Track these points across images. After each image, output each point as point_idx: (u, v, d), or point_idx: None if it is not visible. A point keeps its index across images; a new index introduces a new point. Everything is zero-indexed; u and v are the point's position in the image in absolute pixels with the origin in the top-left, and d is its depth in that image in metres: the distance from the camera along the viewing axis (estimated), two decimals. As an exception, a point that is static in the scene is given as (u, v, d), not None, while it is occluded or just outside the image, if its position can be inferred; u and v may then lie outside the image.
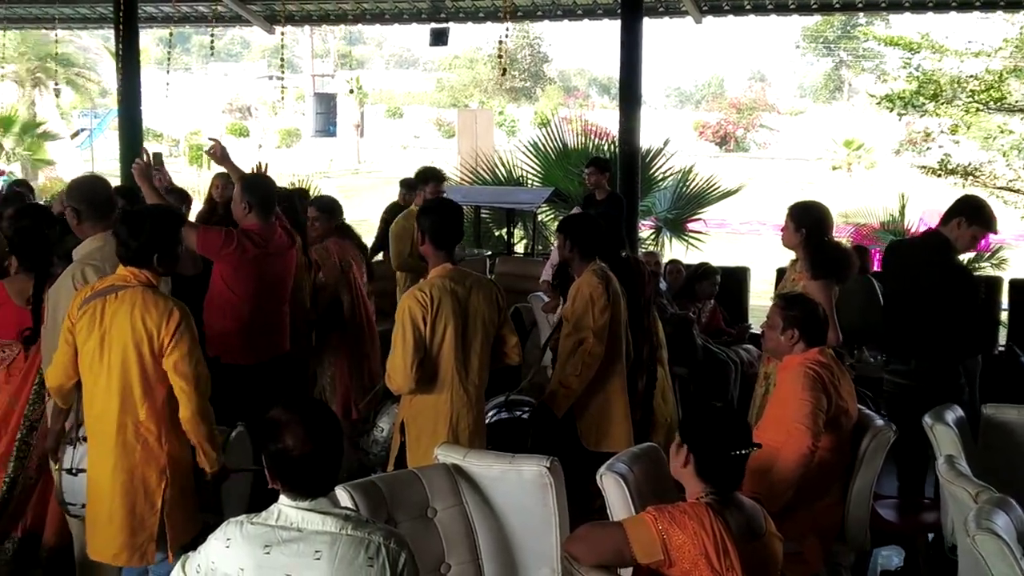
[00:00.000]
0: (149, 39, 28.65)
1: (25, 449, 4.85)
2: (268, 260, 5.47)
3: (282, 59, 11.50)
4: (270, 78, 49.08)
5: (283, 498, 2.72)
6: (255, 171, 5.90)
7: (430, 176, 8.49)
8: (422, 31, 13.40)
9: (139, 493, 4.00)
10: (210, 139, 5.93)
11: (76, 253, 4.70)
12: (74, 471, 4.34)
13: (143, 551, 4.03)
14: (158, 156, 5.94)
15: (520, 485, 3.75)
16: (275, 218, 5.55)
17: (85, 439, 4.31)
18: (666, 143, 13.94)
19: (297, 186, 11.59)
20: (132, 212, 4.43)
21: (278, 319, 5.66)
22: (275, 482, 2.73)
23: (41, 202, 7.45)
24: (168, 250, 4.13)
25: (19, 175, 27.36)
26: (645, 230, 13.06)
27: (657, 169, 13.27)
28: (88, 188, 4.93)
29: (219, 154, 5.70)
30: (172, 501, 4.04)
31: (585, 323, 5.08)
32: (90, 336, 3.99)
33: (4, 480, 4.81)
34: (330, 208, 6.49)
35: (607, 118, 21.42)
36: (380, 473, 4.48)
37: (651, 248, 12.55)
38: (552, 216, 12.74)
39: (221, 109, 49.29)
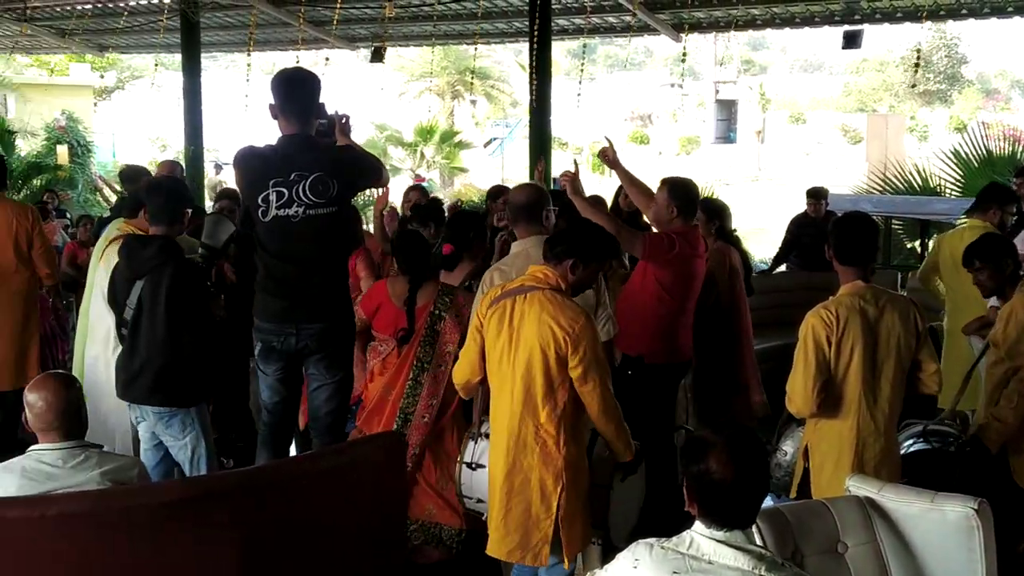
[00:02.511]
0: (559, 51, 29.77)
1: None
2: (695, 263, 5.56)
3: (683, 64, 11.48)
4: (672, 86, 49.50)
5: (697, 525, 2.63)
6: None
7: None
8: (830, 34, 12.93)
9: (535, 494, 4.05)
10: (605, 137, 6.00)
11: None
12: (473, 465, 4.54)
13: (536, 552, 4.07)
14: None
15: (942, 526, 3.43)
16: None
17: (486, 435, 4.49)
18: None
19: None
20: (572, 220, 4.55)
21: (691, 320, 5.72)
22: (691, 505, 2.64)
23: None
24: (587, 257, 4.17)
25: (437, 182, 29.41)
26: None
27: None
28: (515, 195, 5.16)
29: (610, 156, 5.78)
30: (568, 506, 4.06)
31: (1020, 350, 4.62)
32: (499, 335, 4.09)
33: None
34: (714, 211, 6.40)
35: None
36: (784, 500, 4.30)
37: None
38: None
39: (624, 117, 50.33)
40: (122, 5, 14.83)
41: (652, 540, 2.64)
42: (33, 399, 3.63)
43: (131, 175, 7.07)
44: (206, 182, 16.59)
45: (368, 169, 4.82)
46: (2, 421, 6.68)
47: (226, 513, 3.44)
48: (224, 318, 5.49)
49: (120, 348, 5.18)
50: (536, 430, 4.03)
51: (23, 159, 20.85)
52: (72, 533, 3.25)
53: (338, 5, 13.35)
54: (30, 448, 3.65)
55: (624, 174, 5.86)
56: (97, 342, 5.61)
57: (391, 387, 5.19)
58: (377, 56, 14.15)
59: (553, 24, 12.00)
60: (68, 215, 13.79)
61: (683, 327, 5.66)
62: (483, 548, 4.29)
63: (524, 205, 4.97)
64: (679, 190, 5.56)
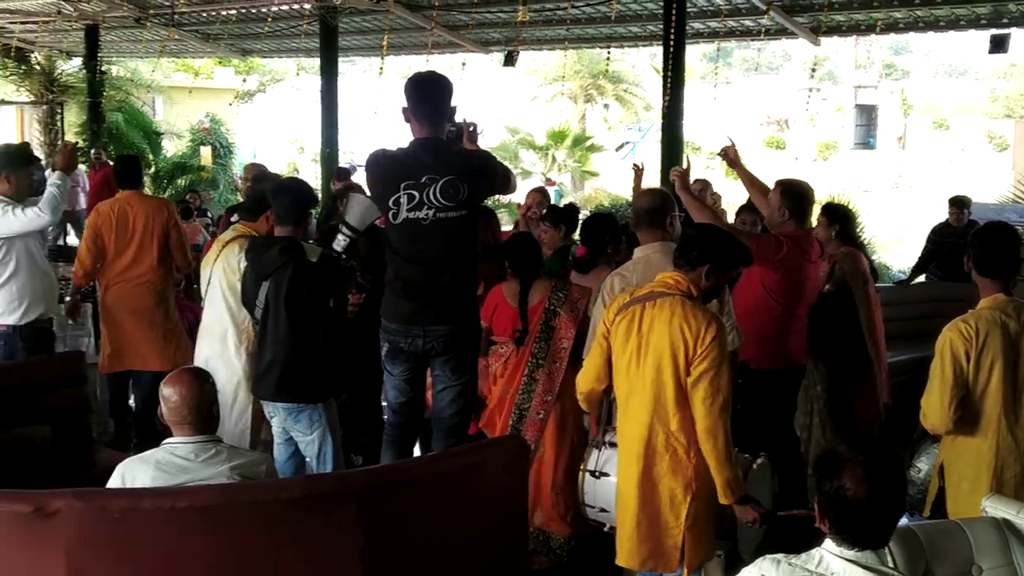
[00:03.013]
0: (693, 55, 29.48)
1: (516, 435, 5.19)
2: (805, 267, 5.47)
3: (813, 69, 11.25)
4: (809, 90, 48.50)
5: (828, 543, 2.56)
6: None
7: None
8: (976, 38, 12.47)
9: (665, 503, 4.01)
10: (728, 137, 5.92)
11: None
12: (596, 474, 4.50)
13: (667, 560, 4.03)
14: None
15: (1085, 553, 3.27)
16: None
17: (610, 444, 4.45)
18: None
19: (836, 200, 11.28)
20: (698, 226, 4.50)
21: (803, 326, 5.62)
22: (823, 522, 2.57)
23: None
24: (723, 263, 4.11)
25: (568, 185, 29.42)
26: None
27: None
28: (645, 200, 5.11)
29: (731, 156, 5.71)
30: (695, 517, 4.00)
31: None
32: (627, 343, 4.04)
33: None
34: (835, 215, 6.25)
35: None
36: (917, 518, 4.15)
37: None
38: None
39: (759, 122, 49.52)
40: (265, 11, 15.23)
41: (780, 555, 2.58)
42: (168, 393, 3.74)
43: (261, 176, 7.29)
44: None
45: (497, 175, 4.84)
46: (145, 398, 6.96)
47: (349, 512, 3.48)
48: (356, 312, 5.61)
49: (242, 346, 5.36)
50: (666, 438, 3.98)
51: (169, 160, 21.69)
52: (200, 525, 3.35)
53: (472, 9, 13.50)
54: (164, 441, 3.77)
55: (745, 174, 5.79)
56: (214, 341, 5.73)
57: (509, 385, 5.27)
58: (510, 60, 14.23)
59: (688, 27, 11.84)
60: (209, 214, 14.25)
61: (793, 333, 5.55)
62: (594, 555, 4.26)
63: (647, 210, 4.94)
64: (791, 192, 5.47)
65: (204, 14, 16.03)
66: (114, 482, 3.70)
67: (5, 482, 3.72)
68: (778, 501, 4.73)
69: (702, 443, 3.93)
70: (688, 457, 3.97)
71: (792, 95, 52.94)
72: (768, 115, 51.18)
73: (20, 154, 6.18)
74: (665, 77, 11.65)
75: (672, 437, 3.98)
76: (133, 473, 3.68)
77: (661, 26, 11.90)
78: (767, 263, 5.32)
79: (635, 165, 6.07)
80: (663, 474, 4.00)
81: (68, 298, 7.36)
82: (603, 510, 4.48)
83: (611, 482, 4.36)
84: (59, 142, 18.15)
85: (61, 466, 4.85)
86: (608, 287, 4.77)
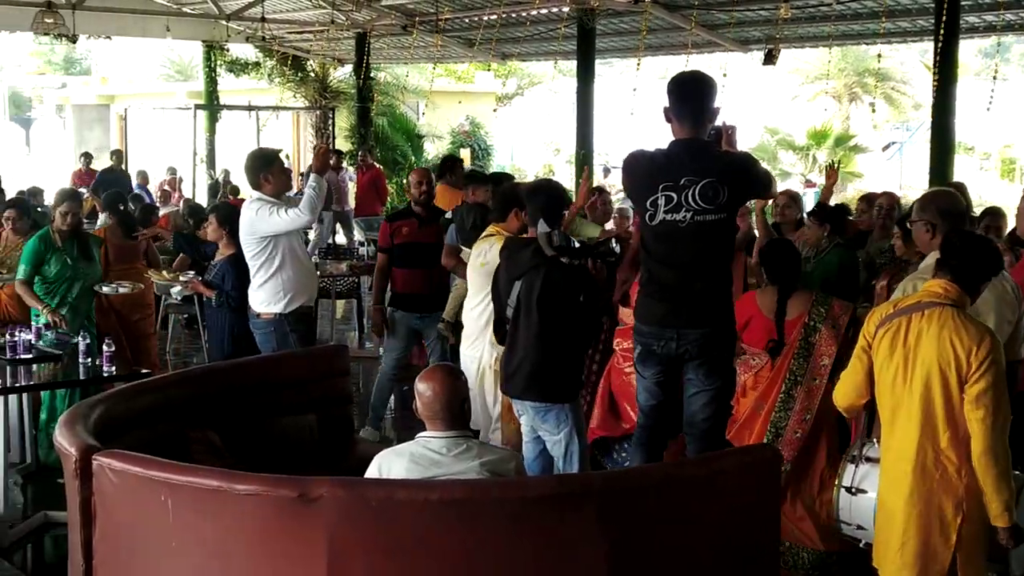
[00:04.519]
0: (967, 50, 27.92)
1: None
2: None
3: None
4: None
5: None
6: None
7: None
8: None
9: (934, 524, 3.83)
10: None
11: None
12: (853, 490, 4.33)
13: None
14: None
15: None
16: None
17: (867, 459, 4.30)
18: None
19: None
20: (959, 232, 4.25)
21: None
22: None
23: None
24: (977, 276, 3.89)
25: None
26: None
27: None
28: (946, 200, 4.81)
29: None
30: (967, 538, 3.81)
31: None
32: (892, 356, 3.88)
33: None
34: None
35: None
36: None
37: None
38: None
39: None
40: (524, 15, 15.56)
41: None
42: (422, 388, 3.86)
43: (498, 178, 7.47)
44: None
45: (758, 178, 4.74)
46: None
47: (594, 512, 3.48)
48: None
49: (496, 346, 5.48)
50: (936, 456, 3.80)
51: (430, 161, 22.50)
52: (450, 518, 3.43)
53: (732, 7, 13.29)
54: (418, 435, 3.89)
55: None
56: (474, 343, 5.96)
57: (763, 401, 5.10)
58: (770, 59, 13.91)
59: (961, 21, 11.23)
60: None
61: None
62: (848, 573, 4.10)
63: (949, 211, 4.66)
64: None
65: (467, 20, 16.55)
66: (371, 472, 3.85)
67: (274, 467, 3.93)
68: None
69: (979, 463, 3.72)
70: (959, 476, 3.78)
71: (1079, 92, 49.15)
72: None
73: (275, 156, 6.56)
74: (935, 74, 11.11)
75: (942, 455, 3.79)
76: (389, 464, 3.82)
77: (932, 20, 11.37)
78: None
79: (830, 164, 5.81)
80: (933, 493, 3.82)
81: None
82: (860, 527, 4.31)
83: (869, 499, 4.20)
84: (329, 145, 19.13)
85: (324, 454, 5.09)
86: (903, 291, 4.56)
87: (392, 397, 7.74)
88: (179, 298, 8.98)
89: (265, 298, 6.22)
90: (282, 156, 6.92)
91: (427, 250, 7.21)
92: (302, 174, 7.20)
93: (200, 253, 9.23)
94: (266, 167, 6.27)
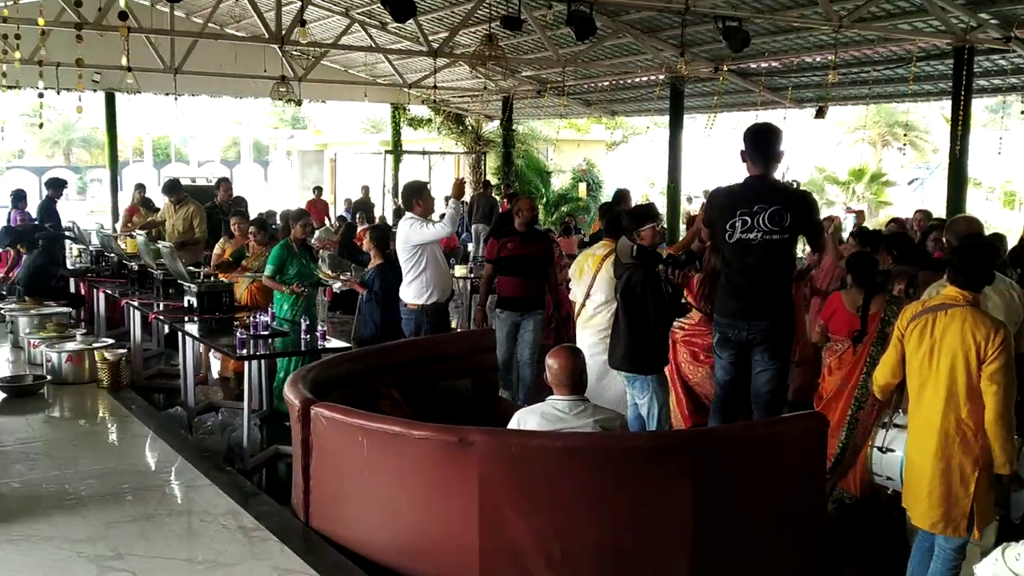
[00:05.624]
0: (976, 107, 26.56)
1: (854, 422, 4.92)
2: None
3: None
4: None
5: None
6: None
7: None
8: None
9: (955, 477, 3.70)
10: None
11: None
12: (884, 449, 4.21)
13: (956, 525, 3.72)
14: None
15: None
16: None
17: (895, 426, 4.18)
18: None
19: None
20: (973, 245, 4.05)
21: None
22: None
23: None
24: (977, 281, 3.76)
25: (866, 212, 27.43)
26: None
27: None
28: (963, 226, 4.75)
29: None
30: (981, 487, 3.68)
31: None
32: (920, 345, 3.75)
33: (839, 443, 4.90)
34: None
35: None
36: None
37: None
38: None
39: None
40: (629, 82, 15.43)
41: None
42: (551, 363, 3.85)
43: (619, 194, 7.68)
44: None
45: (813, 208, 4.76)
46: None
47: (680, 463, 3.43)
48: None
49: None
50: (958, 424, 3.67)
51: (556, 192, 22.48)
52: (571, 462, 3.42)
53: (791, 75, 12.98)
54: (548, 398, 3.87)
55: None
56: (591, 336, 5.86)
57: (847, 380, 4.98)
58: (820, 114, 13.68)
59: (974, 84, 10.72)
60: (581, 232, 14.57)
61: None
62: (874, 512, 4.16)
63: (960, 234, 4.51)
64: None
65: (585, 85, 16.51)
66: (512, 425, 3.85)
67: (439, 418, 3.97)
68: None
69: (992, 425, 3.60)
70: (976, 439, 3.66)
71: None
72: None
73: (423, 186, 6.62)
74: (954, 127, 10.68)
75: (963, 423, 3.67)
76: (525, 419, 3.81)
77: (950, 84, 10.89)
78: None
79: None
80: (955, 453, 3.69)
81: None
82: (889, 478, 4.19)
83: (897, 456, 4.09)
84: (482, 181, 19.29)
85: (476, 410, 5.11)
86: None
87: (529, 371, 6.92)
88: (339, 292, 9.35)
89: (412, 293, 6.32)
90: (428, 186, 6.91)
91: (528, 261, 6.66)
92: (446, 198, 7.21)
93: (357, 260, 9.58)
94: (417, 194, 6.38)
